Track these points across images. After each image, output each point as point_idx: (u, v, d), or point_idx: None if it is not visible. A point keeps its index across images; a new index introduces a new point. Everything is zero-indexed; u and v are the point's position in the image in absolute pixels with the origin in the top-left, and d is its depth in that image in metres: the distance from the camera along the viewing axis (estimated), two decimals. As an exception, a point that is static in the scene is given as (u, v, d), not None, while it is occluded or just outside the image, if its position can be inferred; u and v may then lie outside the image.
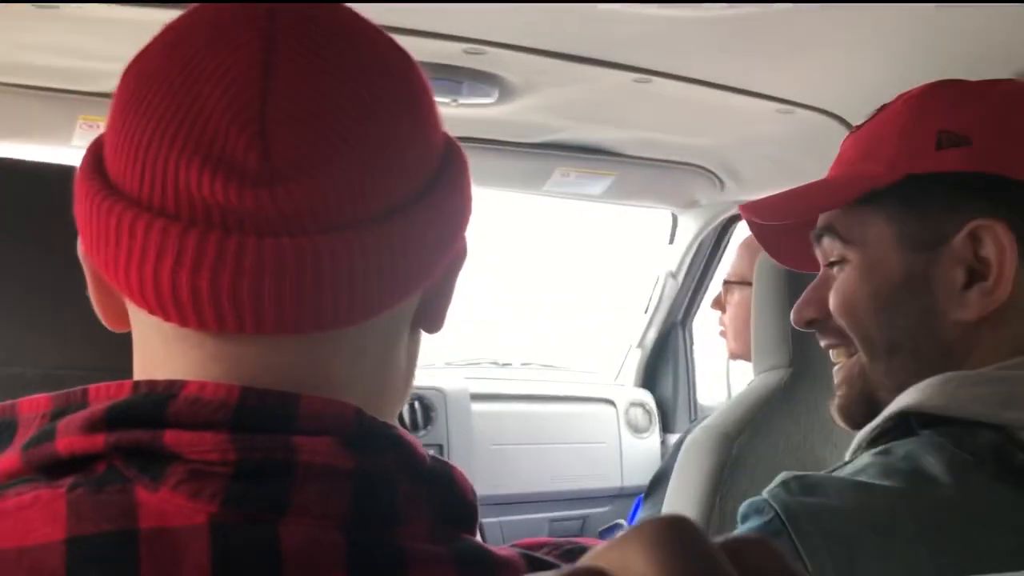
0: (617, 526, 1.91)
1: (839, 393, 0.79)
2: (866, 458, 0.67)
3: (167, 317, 0.42)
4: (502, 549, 0.46)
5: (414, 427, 2.18)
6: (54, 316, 0.76)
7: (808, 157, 1.61)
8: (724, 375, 2.49)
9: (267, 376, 0.44)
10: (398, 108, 0.45)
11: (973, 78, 0.78)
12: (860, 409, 0.76)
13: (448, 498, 0.45)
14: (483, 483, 2.25)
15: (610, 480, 2.42)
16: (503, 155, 1.82)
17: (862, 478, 0.64)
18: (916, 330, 0.72)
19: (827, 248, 0.78)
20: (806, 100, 1.38)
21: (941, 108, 0.73)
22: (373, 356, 0.47)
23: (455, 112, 1.50)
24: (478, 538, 0.47)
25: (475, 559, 0.43)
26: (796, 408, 1.24)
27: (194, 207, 0.41)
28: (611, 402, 2.47)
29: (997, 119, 0.70)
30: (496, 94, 1.44)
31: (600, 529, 2.01)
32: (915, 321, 0.72)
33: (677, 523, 0.19)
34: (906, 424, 0.69)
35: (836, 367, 0.80)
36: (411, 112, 0.46)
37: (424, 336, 0.54)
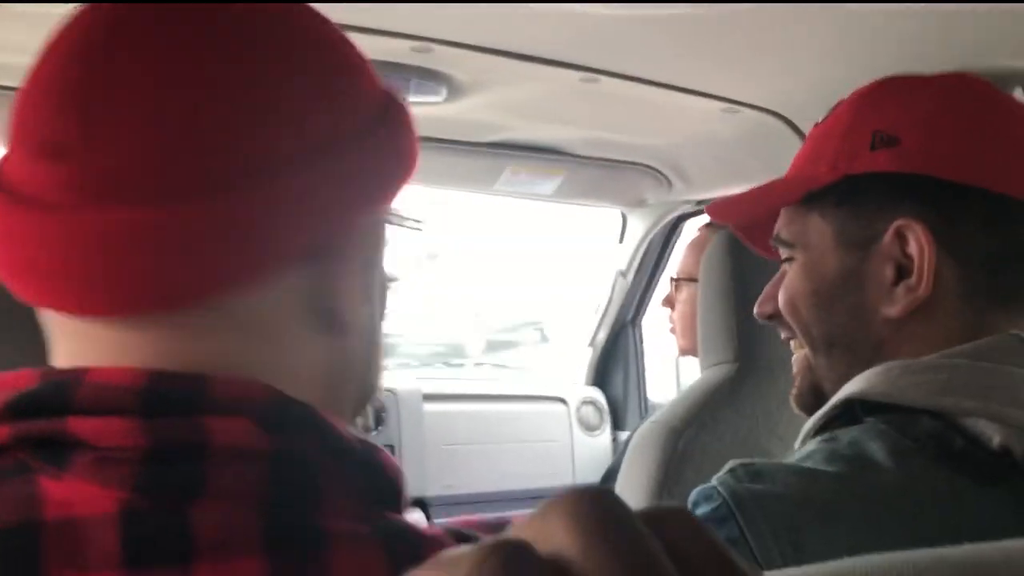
0: None
1: (795, 384, 0.82)
2: (812, 445, 0.68)
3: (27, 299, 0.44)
4: (429, 528, 0.45)
5: (365, 429, 2.17)
6: None
7: (754, 156, 1.64)
8: (673, 372, 2.52)
9: (122, 360, 0.43)
10: (269, 74, 0.44)
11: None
12: (810, 400, 0.80)
13: (373, 479, 0.44)
14: (435, 483, 2.25)
15: (562, 478, 2.43)
16: (453, 154, 1.82)
17: (808, 464, 0.65)
18: (850, 325, 0.74)
19: (781, 252, 0.81)
20: (751, 100, 1.40)
21: (879, 107, 0.74)
22: (260, 343, 0.45)
23: (404, 111, 1.49)
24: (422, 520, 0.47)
25: (400, 536, 0.43)
26: (742, 402, 1.25)
27: (23, 185, 0.42)
28: (562, 400, 2.49)
29: (924, 118, 0.72)
30: (444, 92, 1.43)
31: None
32: (849, 317, 0.74)
33: (597, 493, 0.19)
34: (851, 412, 0.71)
35: (793, 358, 0.83)
36: (283, 80, 0.44)
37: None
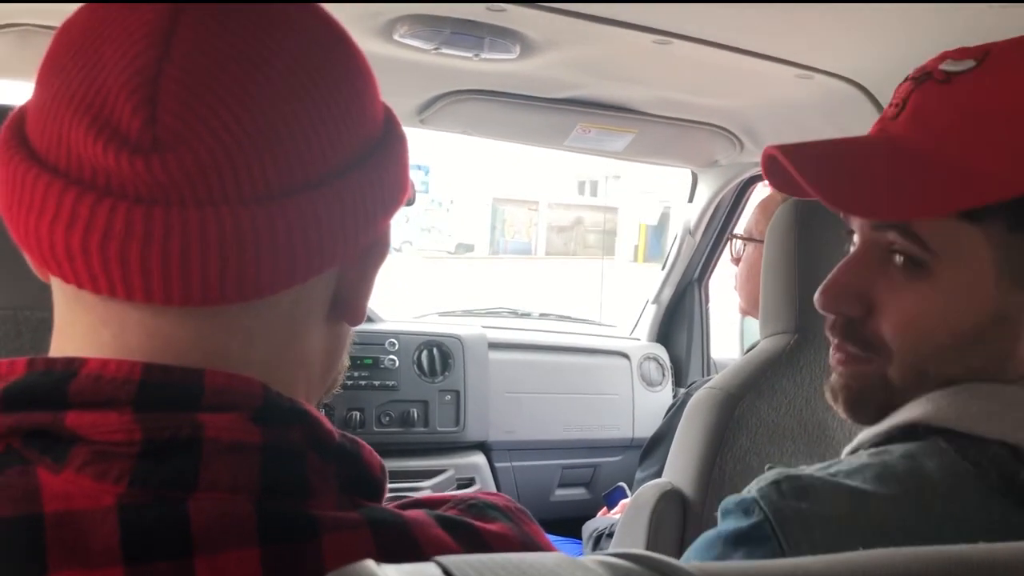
0: (619, 489, 1.94)
1: (843, 391, 0.70)
2: (864, 457, 0.62)
3: (62, 276, 0.43)
4: (410, 512, 0.47)
5: (432, 373, 2.22)
6: None
7: (829, 122, 1.61)
8: (738, 331, 2.52)
9: (150, 345, 0.43)
10: (312, 86, 0.44)
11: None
12: (870, 414, 0.69)
13: (356, 472, 0.46)
14: (497, 429, 2.31)
15: (621, 431, 2.47)
16: (525, 109, 1.83)
17: (857, 482, 0.59)
18: (980, 370, 0.63)
19: (890, 238, 0.64)
20: (825, 66, 1.38)
21: None
22: (272, 339, 0.47)
23: (478, 66, 1.51)
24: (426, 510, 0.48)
25: (387, 521, 0.45)
26: (800, 372, 1.26)
27: (82, 169, 0.41)
28: (625, 355, 2.51)
29: None
30: (517, 50, 1.44)
31: (604, 493, 2.05)
32: (985, 362, 0.64)
33: None
34: (913, 432, 0.63)
35: (838, 358, 0.70)
36: (328, 91, 0.45)
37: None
